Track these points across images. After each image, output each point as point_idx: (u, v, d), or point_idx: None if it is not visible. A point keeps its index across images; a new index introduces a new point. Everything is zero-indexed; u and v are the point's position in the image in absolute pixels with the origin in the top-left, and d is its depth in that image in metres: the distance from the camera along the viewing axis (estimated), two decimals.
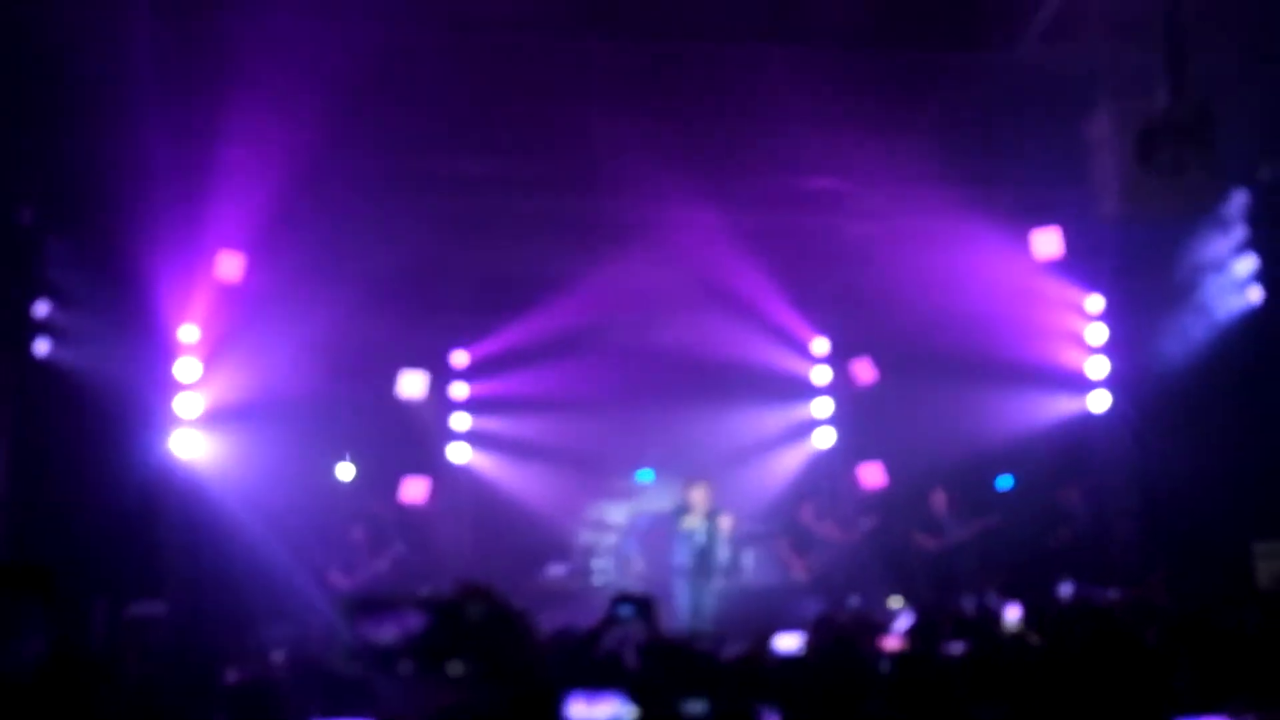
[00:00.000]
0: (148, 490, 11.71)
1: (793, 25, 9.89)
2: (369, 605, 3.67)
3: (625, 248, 12.55)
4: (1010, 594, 9.34)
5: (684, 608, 12.12)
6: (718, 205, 12.19)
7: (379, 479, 13.73)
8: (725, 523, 12.57)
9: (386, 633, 3.55)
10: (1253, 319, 12.38)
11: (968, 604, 11.37)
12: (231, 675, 5.88)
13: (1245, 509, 11.82)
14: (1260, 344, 12.24)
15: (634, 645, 5.65)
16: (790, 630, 7.27)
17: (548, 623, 11.60)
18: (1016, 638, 7.72)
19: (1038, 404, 13.92)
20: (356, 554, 12.78)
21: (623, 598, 5.87)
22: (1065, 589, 11.03)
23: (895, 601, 12.31)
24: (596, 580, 13.84)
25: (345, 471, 13.26)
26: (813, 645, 6.96)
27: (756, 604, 12.55)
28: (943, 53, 10.32)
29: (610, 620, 5.75)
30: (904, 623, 9.27)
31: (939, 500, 13.57)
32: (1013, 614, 7.99)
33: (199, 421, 12.59)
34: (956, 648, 6.89)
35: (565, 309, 13.65)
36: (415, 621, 3.68)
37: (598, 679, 5.15)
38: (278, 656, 8.80)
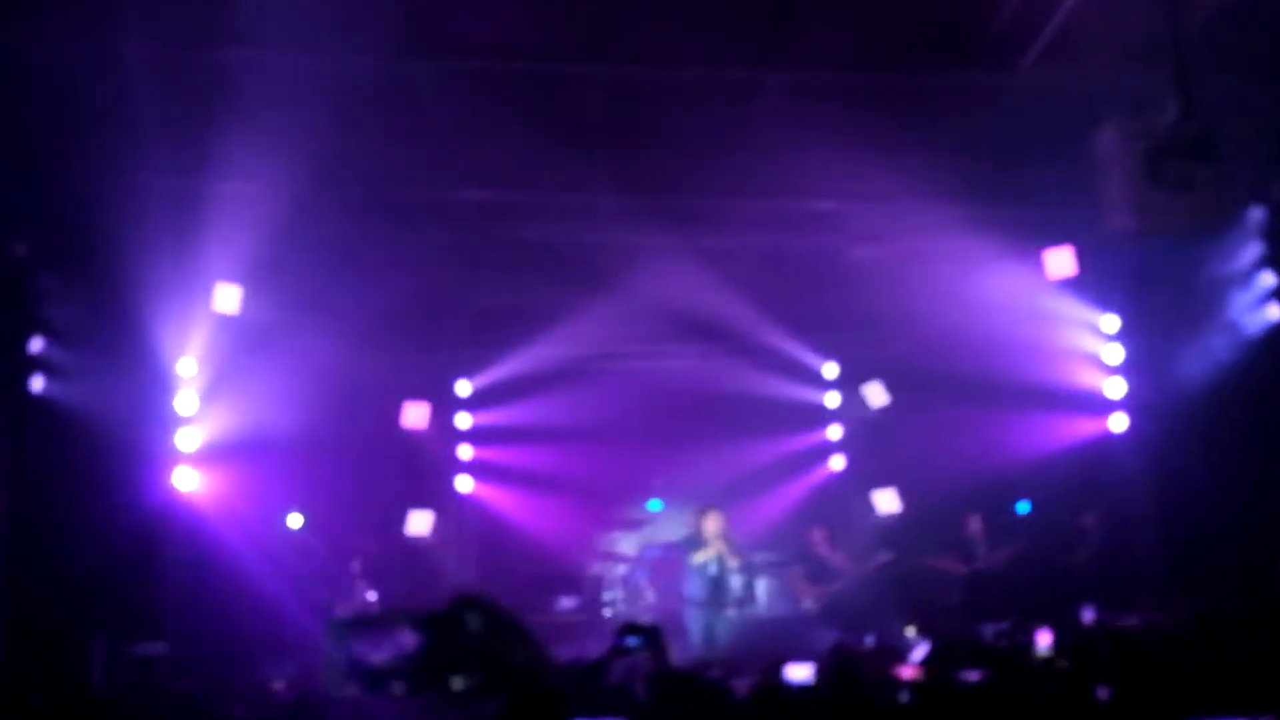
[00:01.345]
0: (147, 526, 11.69)
1: (792, 49, 9.94)
2: (361, 625, 3.69)
3: (628, 277, 12.61)
4: (1036, 619, 9.34)
5: (697, 638, 12.13)
6: (721, 231, 12.25)
7: (383, 512, 13.76)
8: (733, 562, 12.57)
9: (382, 653, 3.56)
10: (1272, 335, 12.37)
11: (986, 631, 11.37)
12: (236, 712, 5.88)
13: (1268, 528, 11.78)
14: None
15: (642, 675, 5.65)
16: (803, 661, 7.28)
17: (558, 655, 11.66)
18: (1046, 663, 7.73)
19: (1054, 426, 13.88)
20: (355, 587, 12.79)
21: (629, 627, 5.88)
22: (1087, 614, 11.01)
23: (910, 631, 12.29)
24: (607, 612, 13.86)
25: (294, 521, 13.25)
26: (826, 675, 6.97)
27: (769, 634, 12.53)
28: (945, 73, 10.37)
29: (617, 650, 5.76)
30: (920, 651, 9.27)
31: (975, 525, 13.57)
32: (1044, 640, 8.00)
33: (198, 456, 12.61)
34: (974, 676, 6.91)
35: (570, 338, 13.73)
36: (410, 639, 3.70)
37: (605, 709, 5.17)
38: (279, 685, 8.83)
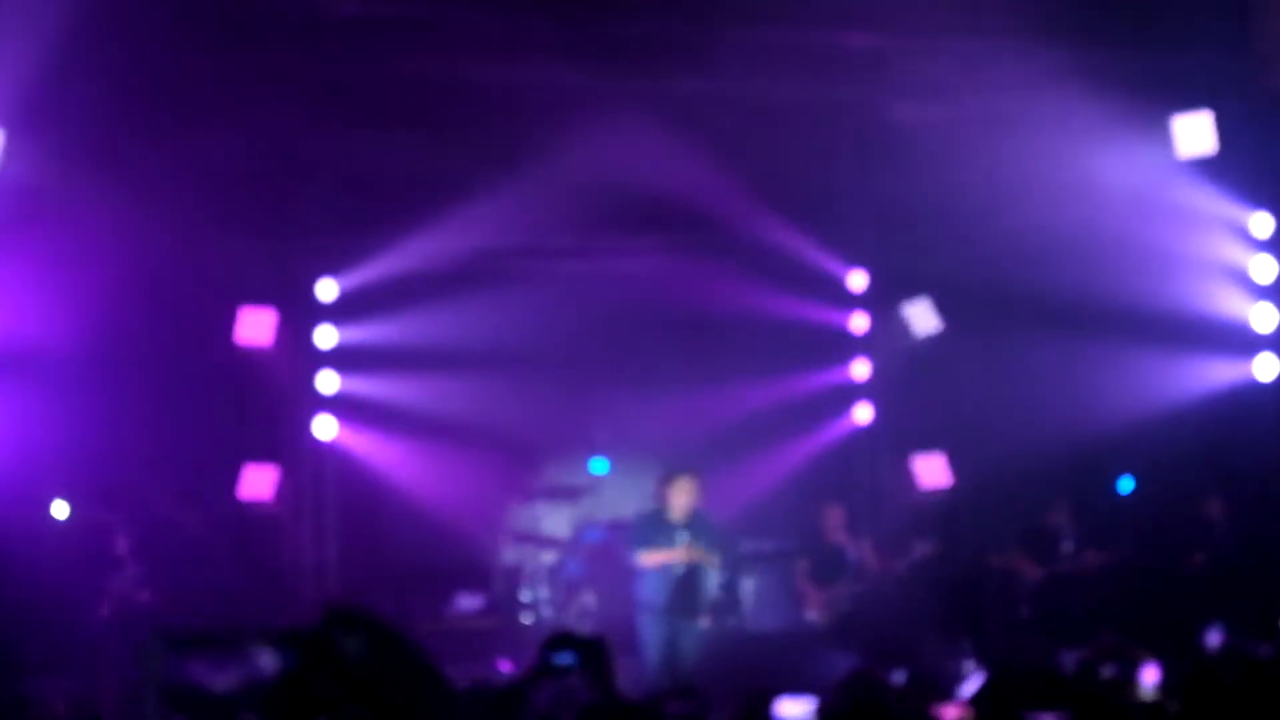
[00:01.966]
0: None
1: None
2: (200, 642, 3.69)
3: (564, 136, 12.54)
4: (1138, 644, 9.46)
5: (654, 657, 12.20)
6: (700, 71, 12.18)
7: (204, 466, 13.72)
8: (714, 560, 12.61)
9: (227, 677, 3.58)
10: None
11: (1067, 659, 11.50)
12: None
13: None
14: None
15: (575, 707, 5.70)
16: (802, 694, 7.34)
17: (457, 676, 11.72)
18: (1153, 709, 7.82)
19: (1175, 371, 14.01)
20: (121, 575, 12.73)
21: (559, 640, 5.91)
22: (1212, 637, 11.16)
23: (959, 655, 12.42)
24: (526, 618, 13.90)
25: (60, 510, 13.16)
26: (835, 715, 7.03)
27: (757, 654, 12.59)
28: None
29: (542, 671, 5.80)
30: (971, 684, 9.36)
31: (1061, 515, 13.66)
32: (1150, 675, 8.08)
33: None
34: None
35: (481, 223, 13.66)
36: (267, 662, 3.71)
37: None
38: (59, 708, 8.88)
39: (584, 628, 12.62)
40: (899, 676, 11.39)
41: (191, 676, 3.63)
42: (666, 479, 12.67)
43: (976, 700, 8.14)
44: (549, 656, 5.77)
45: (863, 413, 15.31)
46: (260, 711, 3.69)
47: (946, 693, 9.04)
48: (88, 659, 11.54)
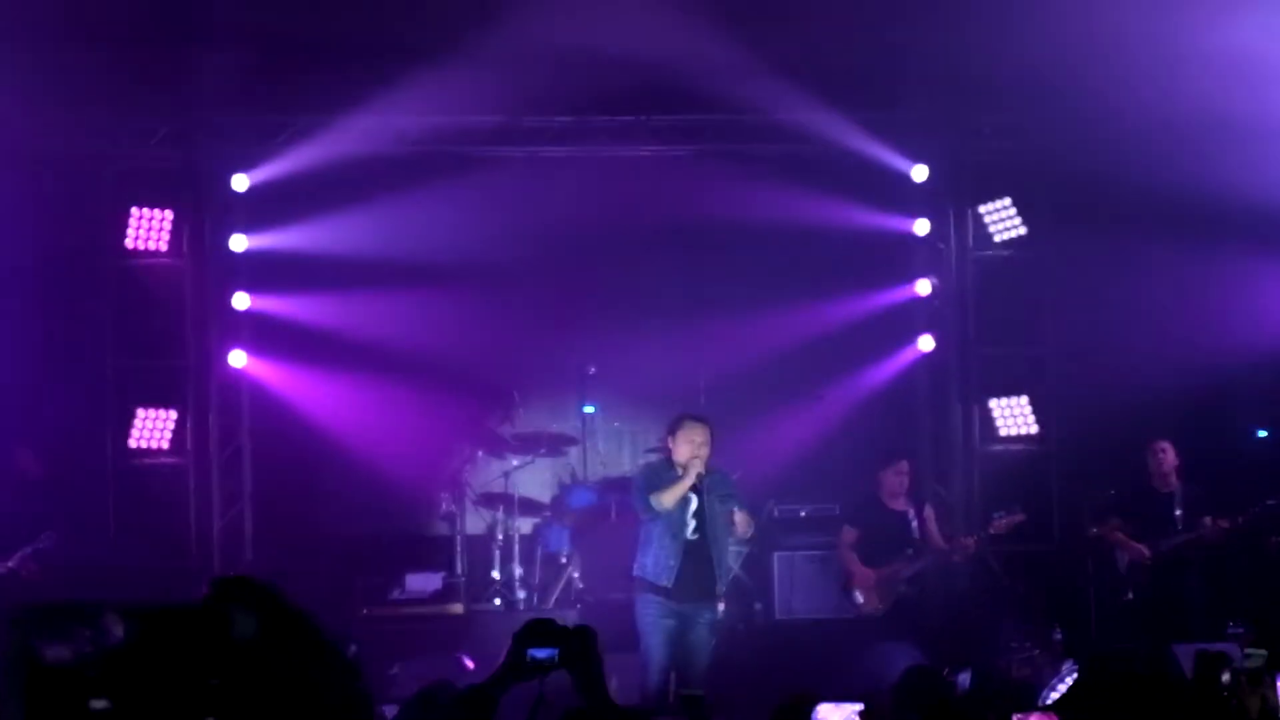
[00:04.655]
0: None
1: None
2: (49, 614, 3.71)
3: None
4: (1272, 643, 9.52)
5: (657, 652, 12.22)
6: None
7: (85, 408, 13.80)
8: (744, 522, 12.60)
9: (65, 648, 3.62)
10: None
11: (1182, 654, 11.56)
12: None
13: None
14: None
15: (556, 715, 5.72)
16: (847, 699, 7.37)
17: (406, 676, 11.70)
18: None
19: None
20: None
21: (537, 630, 5.92)
22: None
23: (1042, 649, 12.47)
24: (495, 601, 13.98)
25: None
26: None
27: (790, 648, 12.76)
28: None
29: (514, 669, 5.81)
30: (1060, 686, 9.41)
31: (1166, 460, 13.56)
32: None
33: None
34: None
35: (435, 97, 13.66)
36: (115, 633, 3.74)
37: None
38: None
39: (568, 616, 12.64)
40: (966, 678, 11.48)
41: (35, 648, 3.67)
42: (674, 426, 12.69)
43: (1066, 706, 8.19)
44: (523, 651, 5.77)
45: (925, 342, 15.25)
46: (109, 686, 3.71)
47: (1027, 698, 9.09)
48: None
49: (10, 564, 12.61)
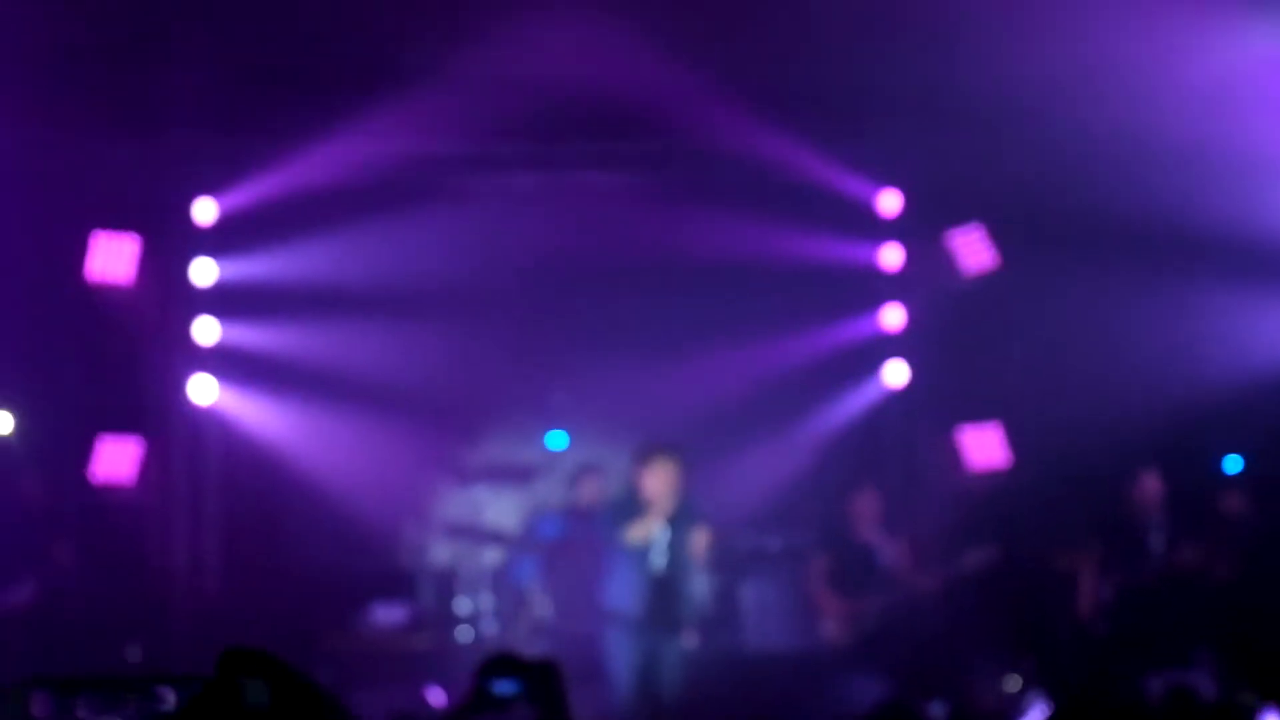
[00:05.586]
0: None
1: None
2: (74, 686, 3.68)
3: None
4: (1245, 673, 9.51)
5: (625, 683, 12.25)
6: None
7: (47, 439, 13.74)
8: (701, 538, 12.68)
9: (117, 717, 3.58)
10: None
11: (1152, 686, 11.57)
12: None
13: None
14: None
15: None
16: None
17: (372, 709, 11.69)
18: None
19: None
20: None
21: (500, 664, 5.96)
22: None
23: (1014, 683, 12.48)
24: (463, 633, 14.04)
25: (3, 423, 13.26)
26: None
27: (760, 680, 12.75)
28: None
29: (478, 703, 5.84)
30: (1033, 717, 9.41)
31: (1150, 489, 13.61)
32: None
33: None
34: None
35: (407, 124, 13.62)
36: (168, 701, 3.72)
37: None
38: None
39: (535, 648, 12.66)
40: (938, 709, 11.49)
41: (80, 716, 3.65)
42: (641, 457, 12.72)
43: None
44: (487, 684, 5.83)
45: (896, 373, 15.27)
46: None
47: None
48: None
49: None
